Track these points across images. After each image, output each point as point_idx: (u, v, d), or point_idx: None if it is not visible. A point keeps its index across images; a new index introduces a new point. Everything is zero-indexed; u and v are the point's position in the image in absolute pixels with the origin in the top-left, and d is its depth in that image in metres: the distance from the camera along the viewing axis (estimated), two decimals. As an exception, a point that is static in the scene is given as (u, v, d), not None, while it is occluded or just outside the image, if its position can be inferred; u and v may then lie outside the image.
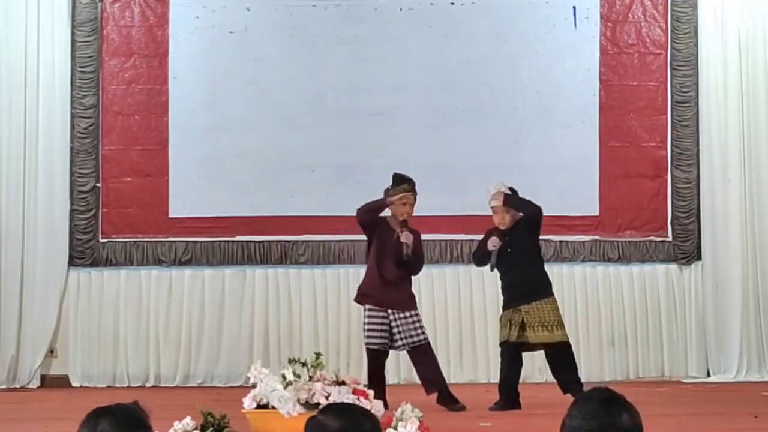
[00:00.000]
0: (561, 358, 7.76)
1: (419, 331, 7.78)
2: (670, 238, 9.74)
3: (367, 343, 7.83)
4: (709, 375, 9.59)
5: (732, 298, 9.59)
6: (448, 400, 7.74)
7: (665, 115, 9.78)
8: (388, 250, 7.80)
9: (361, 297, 7.92)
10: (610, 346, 9.49)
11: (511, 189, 7.92)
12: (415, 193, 7.89)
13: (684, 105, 9.76)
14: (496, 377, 9.49)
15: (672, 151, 9.77)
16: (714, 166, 9.67)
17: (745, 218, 9.63)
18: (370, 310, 7.80)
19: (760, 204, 9.64)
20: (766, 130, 9.65)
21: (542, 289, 7.79)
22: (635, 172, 9.74)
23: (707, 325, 9.61)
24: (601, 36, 9.78)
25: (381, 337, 7.76)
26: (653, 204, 9.73)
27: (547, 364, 9.44)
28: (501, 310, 7.89)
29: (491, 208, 7.88)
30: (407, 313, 7.77)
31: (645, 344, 9.63)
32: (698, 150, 9.72)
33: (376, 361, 7.82)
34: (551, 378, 9.37)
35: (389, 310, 7.74)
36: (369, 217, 7.88)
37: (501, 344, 7.85)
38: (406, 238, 7.76)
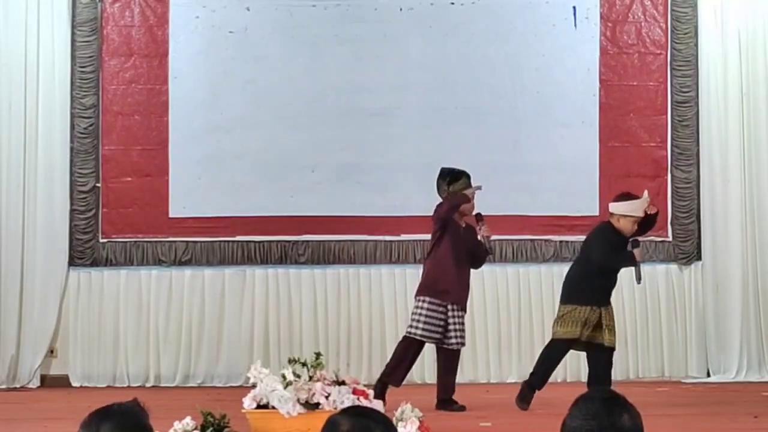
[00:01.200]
0: (608, 364, 7.69)
1: (465, 334, 7.80)
2: (670, 238, 9.75)
3: (420, 335, 7.68)
4: (709, 375, 9.59)
5: (732, 298, 9.60)
6: (447, 403, 7.73)
7: (665, 115, 9.78)
8: (461, 247, 7.75)
9: (436, 293, 7.71)
10: (610, 346, 9.48)
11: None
12: None
13: (684, 105, 9.76)
14: (496, 377, 9.55)
15: (672, 151, 9.77)
16: (714, 166, 9.67)
17: (745, 218, 9.64)
18: (430, 303, 7.69)
19: (760, 204, 9.64)
20: (766, 130, 9.65)
21: None
22: (635, 172, 9.74)
23: (707, 325, 9.61)
24: (601, 36, 9.78)
25: (437, 332, 7.67)
26: (653, 204, 9.71)
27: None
28: (569, 302, 7.70)
29: (634, 215, 7.70)
30: (462, 313, 7.76)
31: (645, 344, 9.63)
32: (698, 150, 9.72)
33: (416, 352, 7.78)
34: (551, 378, 9.38)
35: (449, 306, 7.68)
36: (452, 215, 7.81)
37: (564, 340, 7.68)
38: (488, 231, 7.79)
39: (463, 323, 7.75)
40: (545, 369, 7.79)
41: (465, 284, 7.82)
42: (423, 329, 7.69)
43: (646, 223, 7.85)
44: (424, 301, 7.74)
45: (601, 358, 7.66)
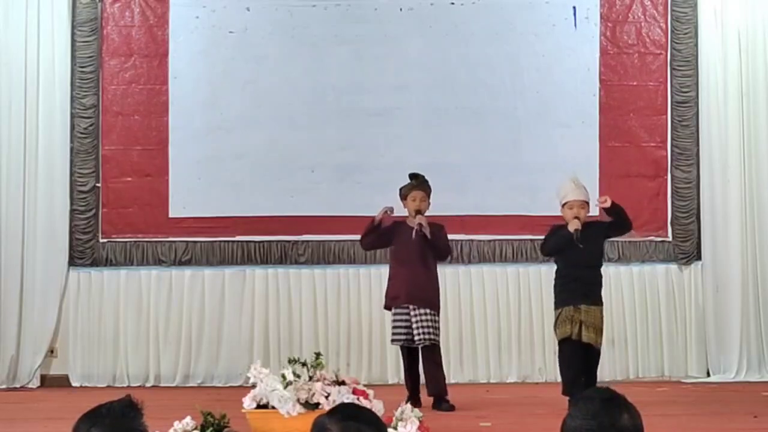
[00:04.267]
0: (595, 364, 7.60)
1: (434, 330, 7.76)
2: (670, 238, 9.74)
3: (392, 340, 7.91)
4: (709, 375, 9.59)
5: (732, 298, 9.59)
6: (437, 401, 7.72)
7: (665, 115, 9.78)
8: (410, 249, 7.81)
9: (390, 300, 7.93)
10: (610, 346, 9.46)
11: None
12: (424, 187, 7.96)
13: (684, 105, 9.76)
14: (496, 377, 9.56)
15: (672, 151, 9.77)
16: (714, 166, 9.67)
17: (745, 218, 9.63)
18: (394, 312, 7.87)
19: (760, 204, 9.64)
20: (766, 130, 9.65)
21: (599, 294, 7.64)
22: (635, 172, 9.74)
23: (707, 325, 9.61)
24: (601, 36, 9.78)
25: (401, 333, 7.78)
26: (653, 204, 9.73)
27: (546, 365, 9.51)
28: (555, 307, 7.64)
29: (567, 202, 7.66)
30: (426, 310, 7.74)
31: (645, 344, 9.63)
32: (698, 150, 9.72)
33: (406, 358, 7.93)
34: (551, 378, 9.39)
35: (411, 306, 7.74)
36: (371, 239, 8.04)
37: (562, 341, 7.57)
38: (420, 219, 7.79)
39: (428, 320, 7.72)
40: (562, 374, 7.66)
41: (422, 283, 7.81)
42: (392, 334, 7.87)
43: (616, 220, 7.71)
44: (392, 312, 7.91)
45: (588, 357, 7.56)
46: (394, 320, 7.85)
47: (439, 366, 7.84)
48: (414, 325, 7.71)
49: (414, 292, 7.77)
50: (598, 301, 7.59)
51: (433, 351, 7.79)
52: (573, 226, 7.55)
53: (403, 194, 7.97)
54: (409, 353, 7.88)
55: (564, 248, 7.63)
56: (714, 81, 9.66)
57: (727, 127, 9.64)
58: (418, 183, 7.96)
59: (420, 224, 7.78)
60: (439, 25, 9.75)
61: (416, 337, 7.71)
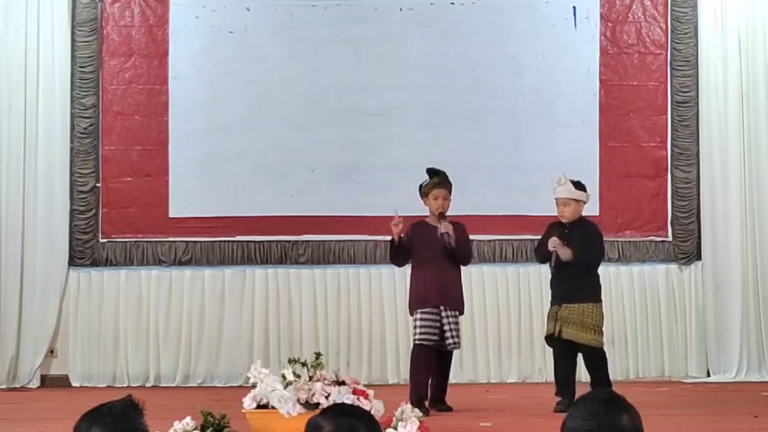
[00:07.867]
0: (594, 362, 7.58)
1: (460, 334, 7.67)
2: (670, 238, 9.75)
3: (418, 339, 7.54)
4: (709, 375, 9.59)
5: (732, 298, 9.59)
6: (437, 402, 7.67)
7: (665, 115, 9.78)
8: (433, 249, 7.61)
9: (419, 303, 7.62)
10: (610, 346, 9.45)
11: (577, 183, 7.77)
12: (446, 184, 7.72)
13: (684, 105, 9.76)
14: (496, 377, 9.57)
15: (672, 151, 9.77)
16: (714, 166, 9.67)
17: (745, 218, 9.64)
18: (422, 312, 7.56)
19: (760, 204, 9.64)
20: (766, 130, 9.65)
21: (586, 291, 7.53)
22: (635, 172, 9.75)
23: (707, 325, 9.61)
24: (601, 36, 9.79)
25: (433, 334, 7.53)
26: (653, 204, 9.73)
27: (546, 365, 9.51)
28: (549, 305, 7.69)
29: (556, 198, 7.75)
30: (454, 313, 7.60)
31: (645, 344, 9.63)
32: (698, 150, 9.72)
33: (427, 359, 7.57)
34: (551, 378, 9.39)
35: (441, 307, 7.55)
36: (401, 259, 7.82)
37: (546, 338, 7.69)
38: (445, 228, 7.57)
39: (457, 324, 7.61)
40: (555, 372, 7.69)
41: (452, 284, 7.66)
42: (421, 333, 7.55)
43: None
44: (416, 312, 7.63)
45: (583, 356, 7.60)
46: (423, 320, 7.54)
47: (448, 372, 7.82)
48: (446, 328, 7.52)
49: (445, 293, 7.59)
50: (584, 299, 7.50)
51: (452, 355, 7.75)
52: (551, 245, 7.56)
53: (424, 192, 7.74)
54: (428, 353, 7.59)
55: (548, 261, 7.69)
56: (714, 81, 9.66)
57: (727, 127, 9.64)
58: (441, 180, 7.72)
59: (446, 233, 7.56)
60: (439, 25, 9.75)
61: (448, 341, 7.53)
